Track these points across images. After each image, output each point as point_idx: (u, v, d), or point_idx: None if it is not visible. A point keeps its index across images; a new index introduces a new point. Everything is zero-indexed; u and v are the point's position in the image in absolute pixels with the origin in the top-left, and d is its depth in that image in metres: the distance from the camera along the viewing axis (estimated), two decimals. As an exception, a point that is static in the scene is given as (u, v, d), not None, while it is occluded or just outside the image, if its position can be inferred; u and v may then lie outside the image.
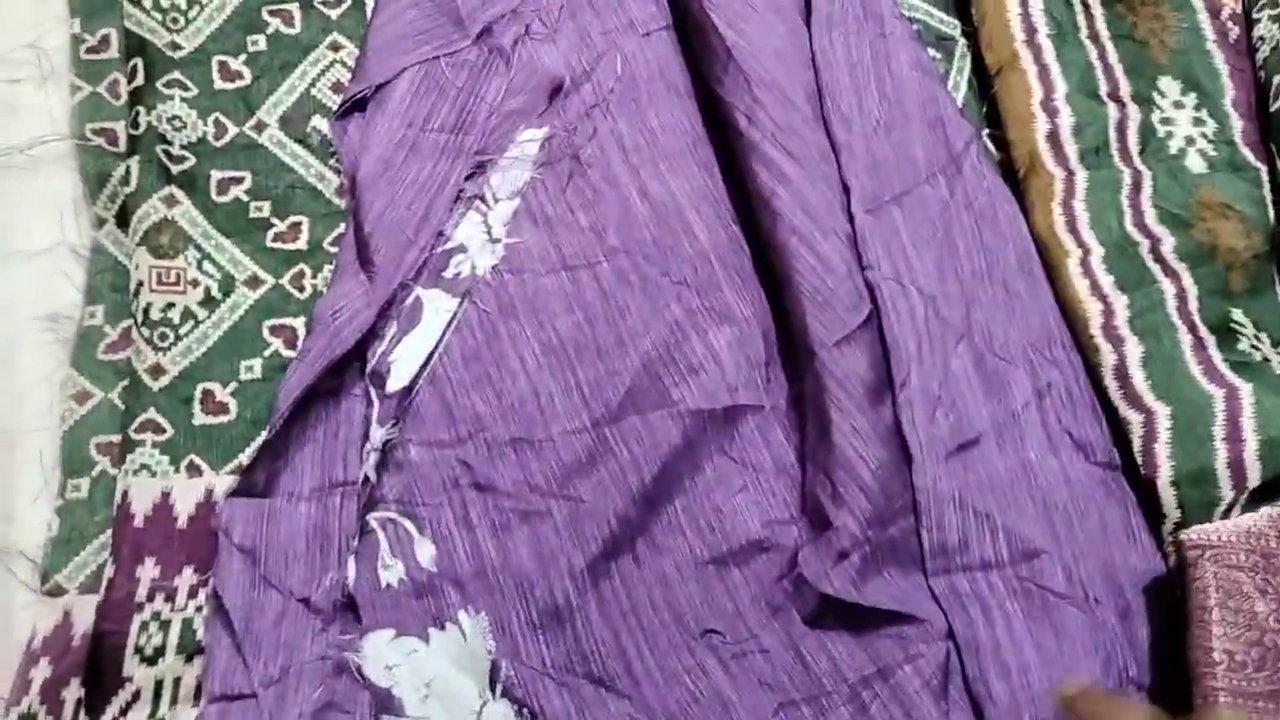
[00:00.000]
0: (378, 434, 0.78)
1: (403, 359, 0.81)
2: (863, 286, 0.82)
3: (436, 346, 0.82)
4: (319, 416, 0.80)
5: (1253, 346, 0.82)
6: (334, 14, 0.96)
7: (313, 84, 0.93)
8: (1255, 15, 0.97)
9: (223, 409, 0.80)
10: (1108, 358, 0.81)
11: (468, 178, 0.88)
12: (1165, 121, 0.92)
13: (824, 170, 0.85)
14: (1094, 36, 0.94)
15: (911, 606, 0.74)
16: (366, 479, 0.77)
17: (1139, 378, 0.79)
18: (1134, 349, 0.80)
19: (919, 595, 0.75)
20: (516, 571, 0.75)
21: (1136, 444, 0.78)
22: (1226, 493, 0.75)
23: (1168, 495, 0.76)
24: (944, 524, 0.76)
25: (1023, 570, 0.76)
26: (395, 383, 0.79)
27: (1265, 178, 0.91)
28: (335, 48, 0.95)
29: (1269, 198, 0.90)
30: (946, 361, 0.81)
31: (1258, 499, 0.77)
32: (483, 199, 0.88)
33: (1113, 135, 0.90)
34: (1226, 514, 0.75)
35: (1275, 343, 0.83)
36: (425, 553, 0.76)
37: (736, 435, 0.81)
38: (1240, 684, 0.69)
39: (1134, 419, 0.78)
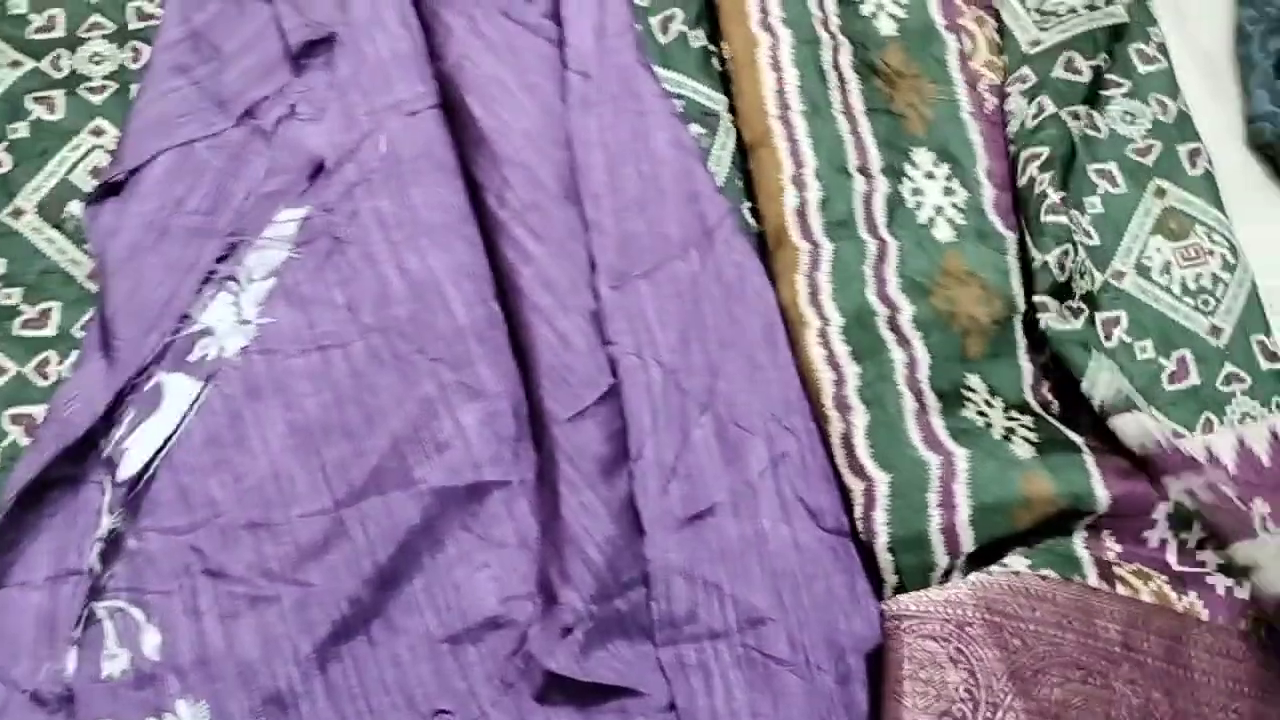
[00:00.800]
0: (105, 522, 0.79)
1: (136, 445, 0.82)
2: (604, 363, 0.84)
3: (174, 432, 0.82)
4: (55, 505, 0.82)
5: (979, 413, 0.86)
6: (98, 99, 0.99)
7: (71, 169, 0.95)
8: (1007, 89, 1.02)
9: (-44, 500, 0.81)
10: (836, 427, 0.84)
11: (220, 259, 0.90)
12: (916, 192, 0.96)
13: (570, 249, 0.88)
14: (848, 111, 0.99)
15: (634, 680, 0.76)
16: (91, 569, 0.77)
17: (862, 447, 0.83)
18: (860, 419, 0.84)
19: (644, 667, 0.77)
20: (240, 659, 0.76)
21: (857, 511, 0.81)
22: (941, 558, 0.78)
23: (885, 561, 0.79)
24: (672, 595, 0.79)
25: (748, 638, 0.79)
26: (127, 470, 0.81)
27: (1012, 246, 0.95)
28: (97, 133, 0.97)
29: (1014, 265, 0.94)
30: (687, 433, 0.84)
31: (975, 563, 0.80)
32: (235, 280, 0.89)
33: (859, 207, 0.94)
34: (944, 579, 0.79)
35: (1008, 407, 0.87)
36: (150, 642, 0.77)
37: (481, 511, 0.84)
38: None
39: (856, 487, 0.82)
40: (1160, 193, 1.02)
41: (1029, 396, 0.89)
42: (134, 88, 0.98)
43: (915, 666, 0.74)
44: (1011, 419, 0.86)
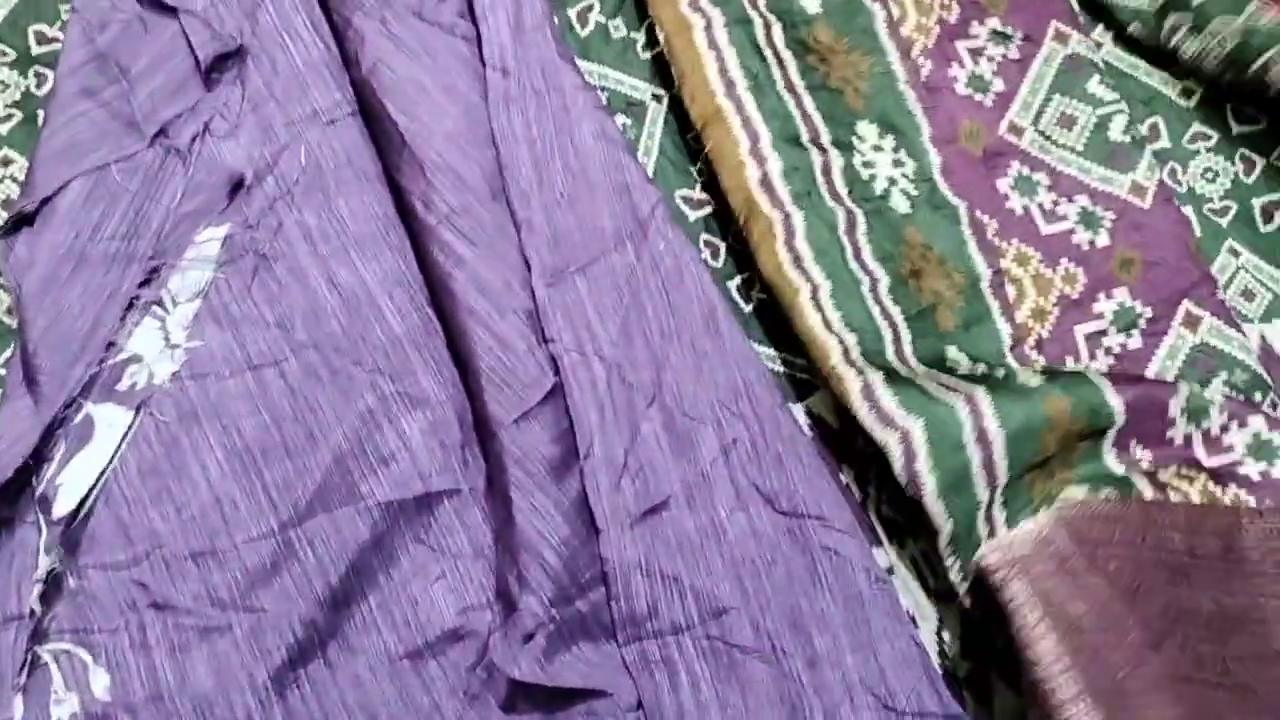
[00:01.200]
0: (44, 562, 0.78)
1: (71, 481, 0.81)
2: (546, 362, 0.84)
3: (109, 464, 0.82)
4: (-10, 549, 0.80)
5: (969, 373, 0.88)
6: (3, 129, 0.97)
7: (-20, 202, 0.93)
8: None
9: (-121, 551, 0.79)
10: (853, 383, 0.86)
11: (143, 284, 0.89)
12: (867, 164, 0.98)
13: (502, 249, 0.88)
14: (790, 87, 1.00)
15: (599, 681, 0.77)
16: (32, 611, 0.76)
17: (887, 396, 0.85)
18: (875, 375, 0.86)
19: (610, 668, 0.78)
20: (195, 692, 0.76)
21: (897, 465, 0.83)
22: (983, 493, 0.82)
23: (937, 508, 0.82)
24: (631, 592, 0.79)
25: (711, 629, 0.79)
26: (63, 506, 0.80)
27: (965, 214, 0.96)
28: (5, 163, 0.96)
29: (969, 234, 0.96)
30: (635, 427, 0.84)
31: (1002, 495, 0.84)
32: (160, 304, 0.88)
33: (820, 178, 0.95)
34: (987, 512, 0.82)
35: (991, 366, 0.89)
36: (100, 682, 0.76)
37: (433, 522, 0.83)
38: (1092, 682, 0.75)
39: (890, 439, 0.84)
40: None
41: (1009, 359, 0.91)
42: (40, 115, 0.96)
43: (1045, 605, 0.77)
44: (1004, 369, 0.88)
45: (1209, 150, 1.06)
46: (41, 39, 1.01)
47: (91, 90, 0.94)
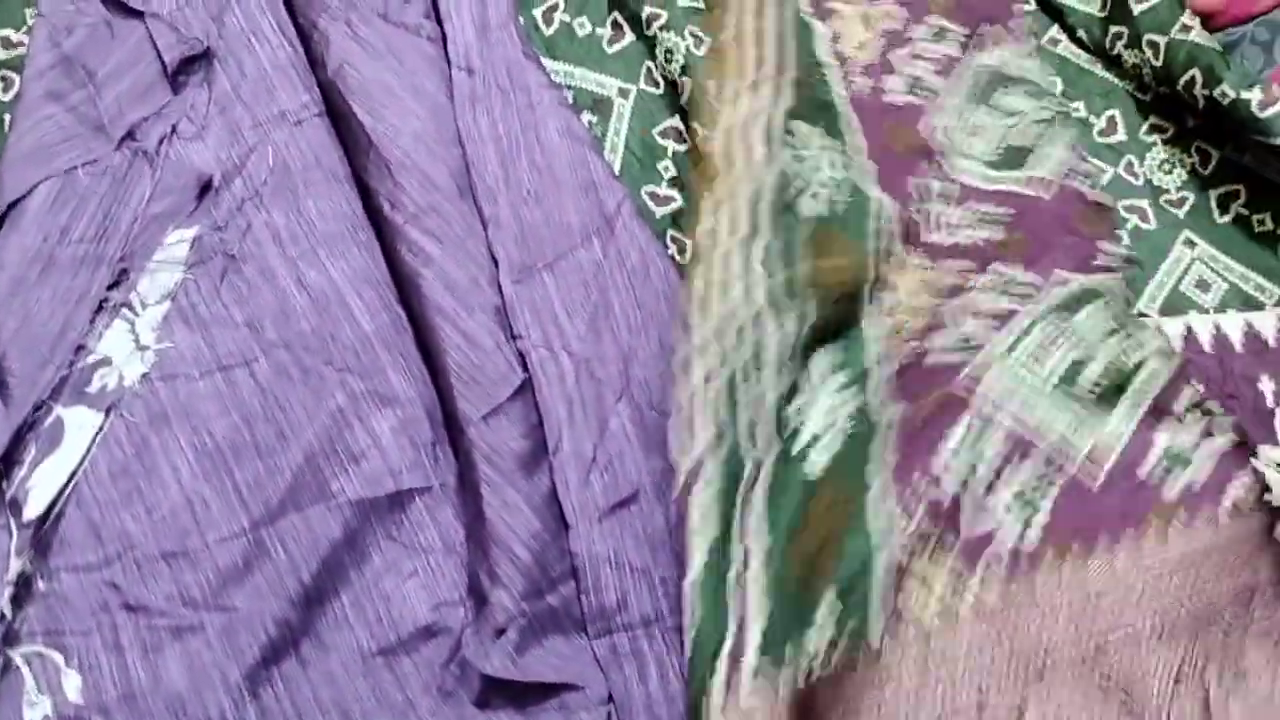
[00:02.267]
0: (14, 565, 0.77)
1: (41, 483, 0.80)
2: (514, 358, 0.84)
3: (79, 466, 0.80)
4: (-40, 555, 0.79)
5: None
6: (-31, 133, 0.95)
7: (-52, 207, 0.91)
8: None
9: None
10: None
11: (111, 286, 0.88)
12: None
13: (470, 247, 0.88)
14: None
15: (571, 675, 0.76)
16: (3, 614, 0.75)
17: None
18: None
19: (581, 661, 0.77)
20: (168, 692, 0.75)
21: None
22: None
23: None
24: (601, 585, 0.79)
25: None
26: (34, 509, 0.79)
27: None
28: (-28, 167, 0.94)
29: None
30: (604, 421, 0.84)
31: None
32: (130, 306, 0.87)
33: None
34: None
35: None
36: (72, 685, 0.75)
37: (404, 519, 0.83)
38: None
39: None
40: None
41: None
42: (7, 119, 0.95)
43: None
44: None
45: (1165, 143, 1.06)
46: (7, 44, 0.99)
47: (58, 94, 0.93)
